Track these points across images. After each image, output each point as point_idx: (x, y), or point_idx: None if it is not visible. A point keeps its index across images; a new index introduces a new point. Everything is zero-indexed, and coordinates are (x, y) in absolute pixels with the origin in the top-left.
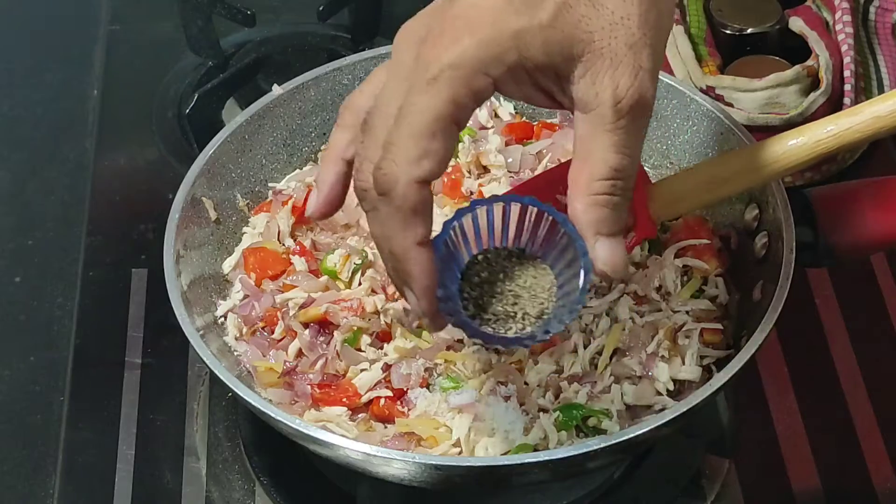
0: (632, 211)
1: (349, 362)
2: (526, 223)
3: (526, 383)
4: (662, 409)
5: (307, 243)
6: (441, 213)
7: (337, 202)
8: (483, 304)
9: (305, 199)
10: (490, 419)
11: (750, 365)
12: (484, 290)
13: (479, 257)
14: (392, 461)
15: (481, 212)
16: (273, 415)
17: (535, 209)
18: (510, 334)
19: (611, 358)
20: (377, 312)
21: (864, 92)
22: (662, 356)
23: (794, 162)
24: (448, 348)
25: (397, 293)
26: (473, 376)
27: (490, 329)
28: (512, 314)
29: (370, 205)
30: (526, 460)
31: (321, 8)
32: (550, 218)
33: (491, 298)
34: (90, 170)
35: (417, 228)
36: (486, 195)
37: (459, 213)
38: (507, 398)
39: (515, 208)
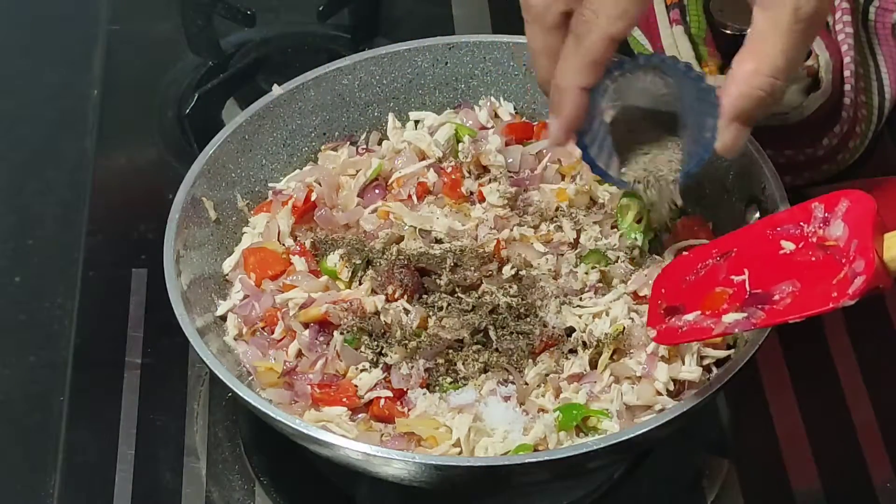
0: (862, 254)
1: (349, 362)
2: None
3: (526, 383)
4: (662, 409)
5: (307, 243)
6: (441, 213)
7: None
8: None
9: (306, 199)
10: (490, 419)
11: (750, 365)
12: (619, 143)
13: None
14: (392, 461)
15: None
16: (273, 415)
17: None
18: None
19: (611, 358)
20: (377, 312)
21: (864, 92)
22: (662, 356)
23: None
24: (448, 348)
25: (397, 293)
26: (473, 376)
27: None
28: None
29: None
30: (526, 460)
31: (321, 8)
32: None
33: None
34: (90, 170)
35: (590, 76)
36: (486, 195)
37: (621, 64)
38: (507, 398)
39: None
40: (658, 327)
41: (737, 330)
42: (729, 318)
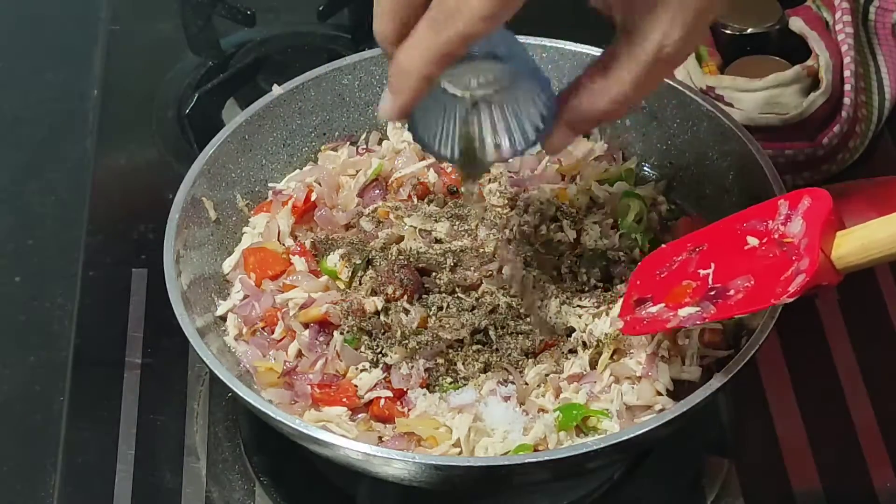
0: (808, 252)
1: (349, 362)
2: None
3: (526, 383)
4: (662, 409)
5: (307, 243)
6: (442, 213)
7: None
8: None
9: (306, 199)
10: (490, 419)
11: (750, 365)
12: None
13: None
14: (392, 461)
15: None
16: (273, 415)
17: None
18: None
19: (611, 358)
20: (377, 313)
21: (864, 92)
22: (662, 356)
23: None
24: (448, 348)
25: (397, 293)
26: (473, 376)
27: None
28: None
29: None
30: (526, 460)
31: (321, 8)
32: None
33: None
34: (90, 170)
35: (438, 68)
36: (486, 195)
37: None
38: (506, 398)
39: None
40: (625, 318)
41: (690, 324)
42: (684, 311)
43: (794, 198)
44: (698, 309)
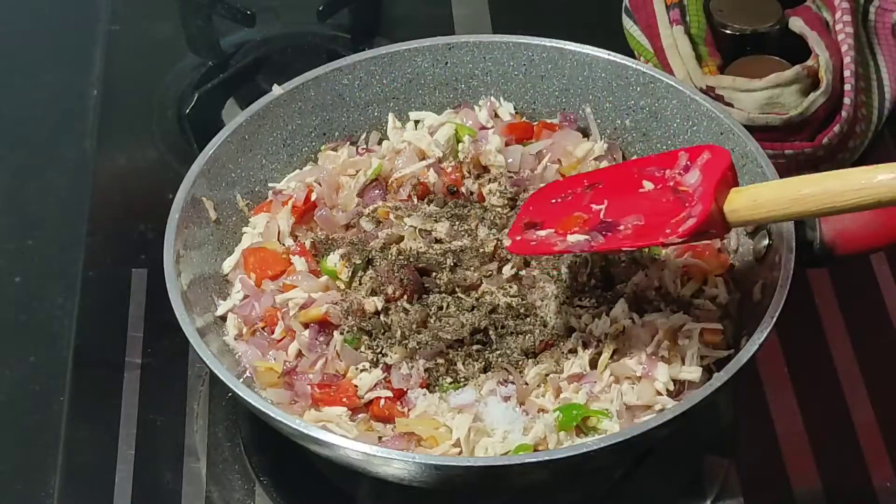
0: (702, 200)
1: (349, 362)
2: None
3: (526, 383)
4: (662, 409)
5: (307, 243)
6: (442, 212)
7: None
8: None
9: (306, 200)
10: (490, 419)
11: (750, 365)
12: None
13: None
14: (392, 461)
15: None
16: (273, 415)
17: None
18: None
19: (611, 358)
20: (377, 313)
21: (864, 92)
22: (662, 356)
23: (888, 196)
24: (448, 348)
25: (397, 293)
26: (473, 376)
27: None
28: None
29: None
30: (526, 460)
31: (321, 8)
32: None
33: None
34: (90, 170)
35: None
36: (486, 195)
37: None
38: (506, 398)
39: None
40: (515, 238)
41: (577, 251)
42: (572, 237)
43: (695, 152)
44: (587, 237)
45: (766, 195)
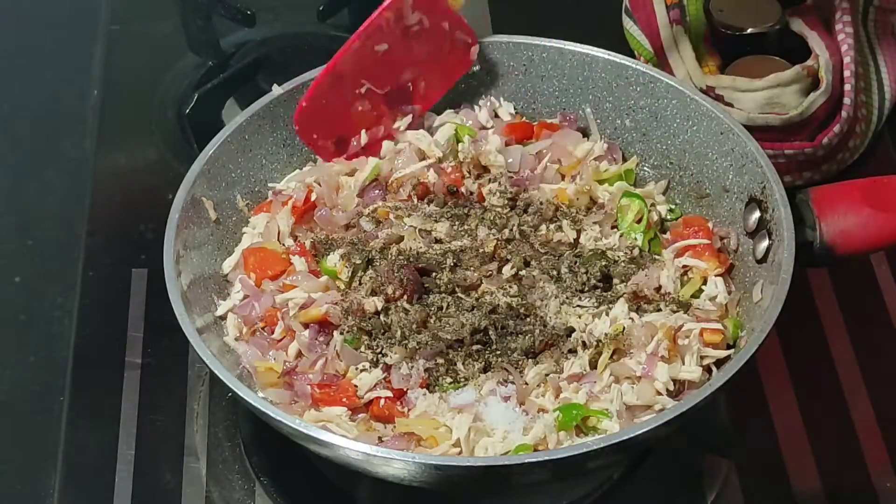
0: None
1: (349, 362)
2: None
3: (526, 383)
4: (662, 409)
5: (307, 243)
6: (442, 212)
7: None
8: None
9: (306, 199)
10: (490, 419)
11: (750, 365)
12: None
13: None
14: (392, 461)
15: None
16: (273, 415)
17: None
18: None
19: (611, 358)
20: (377, 313)
21: (864, 92)
22: (662, 356)
23: None
24: (448, 348)
25: (397, 293)
26: (473, 376)
27: None
28: None
29: None
30: (526, 460)
31: (321, 8)
32: None
33: None
34: (90, 170)
35: None
36: (486, 195)
37: None
38: (506, 398)
39: None
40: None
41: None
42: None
43: None
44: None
45: None
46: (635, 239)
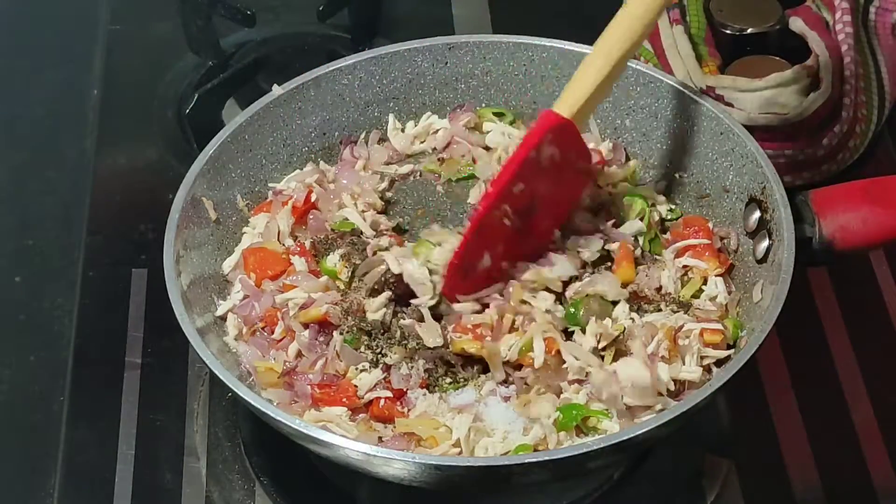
0: None
1: (349, 362)
2: None
3: (526, 383)
4: (662, 409)
5: (307, 243)
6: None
7: None
8: None
9: (306, 199)
10: (490, 419)
11: (750, 365)
12: None
13: None
14: (392, 461)
15: None
16: (273, 415)
17: None
18: None
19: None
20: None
21: (864, 92)
22: (662, 356)
23: None
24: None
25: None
26: (473, 376)
27: None
28: None
29: None
30: (526, 460)
31: (321, 8)
32: None
33: None
34: (90, 170)
35: None
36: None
37: None
38: (506, 398)
39: None
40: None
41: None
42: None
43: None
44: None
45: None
46: (636, 239)
